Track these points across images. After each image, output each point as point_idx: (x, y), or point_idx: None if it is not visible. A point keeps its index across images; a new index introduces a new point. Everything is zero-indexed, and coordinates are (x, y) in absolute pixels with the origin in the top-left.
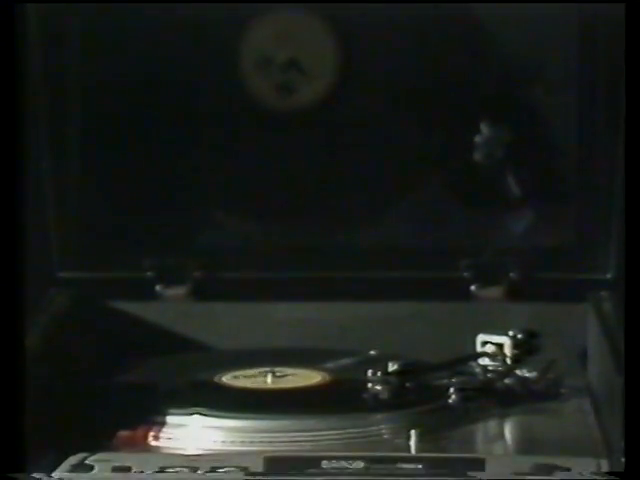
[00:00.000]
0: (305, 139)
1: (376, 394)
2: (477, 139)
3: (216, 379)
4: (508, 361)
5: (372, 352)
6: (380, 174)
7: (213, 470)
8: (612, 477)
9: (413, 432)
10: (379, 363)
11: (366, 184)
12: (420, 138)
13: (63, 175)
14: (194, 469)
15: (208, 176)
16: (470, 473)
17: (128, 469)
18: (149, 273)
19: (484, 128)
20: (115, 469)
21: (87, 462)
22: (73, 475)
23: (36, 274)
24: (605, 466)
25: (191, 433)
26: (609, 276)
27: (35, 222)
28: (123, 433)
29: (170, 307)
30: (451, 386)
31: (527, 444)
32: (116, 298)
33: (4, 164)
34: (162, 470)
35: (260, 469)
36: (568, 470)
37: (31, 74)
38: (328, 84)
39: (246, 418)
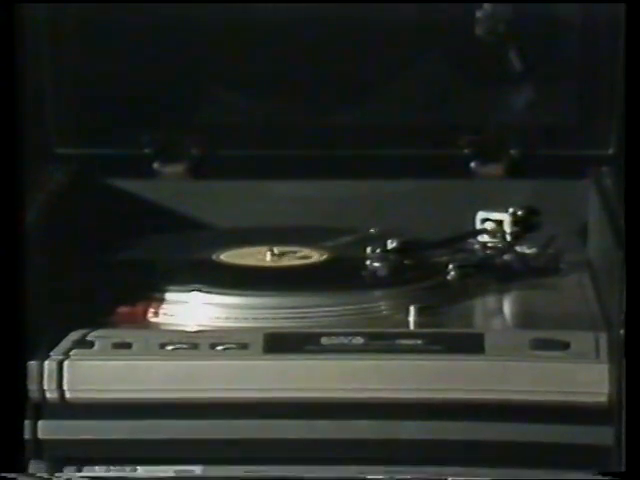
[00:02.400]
0: (304, 13)
1: (375, 271)
2: (479, 14)
3: (215, 257)
4: (508, 238)
5: (372, 230)
6: (380, 50)
7: (213, 346)
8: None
9: (412, 308)
10: (378, 240)
11: (366, 60)
12: (420, 12)
13: (61, 52)
14: (194, 345)
15: (208, 52)
16: None
17: (128, 345)
18: (147, 150)
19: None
20: (115, 345)
21: (87, 338)
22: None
23: (34, 151)
24: (604, 340)
25: (191, 310)
26: (610, 152)
27: (32, 99)
28: (123, 310)
29: (168, 185)
30: (450, 263)
31: (526, 319)
32: (114, 175)
33: (1, 45)
34: (162, 346)
35: (260, 346)
36: (567, 344)
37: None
38: None
39: (246, 295)
